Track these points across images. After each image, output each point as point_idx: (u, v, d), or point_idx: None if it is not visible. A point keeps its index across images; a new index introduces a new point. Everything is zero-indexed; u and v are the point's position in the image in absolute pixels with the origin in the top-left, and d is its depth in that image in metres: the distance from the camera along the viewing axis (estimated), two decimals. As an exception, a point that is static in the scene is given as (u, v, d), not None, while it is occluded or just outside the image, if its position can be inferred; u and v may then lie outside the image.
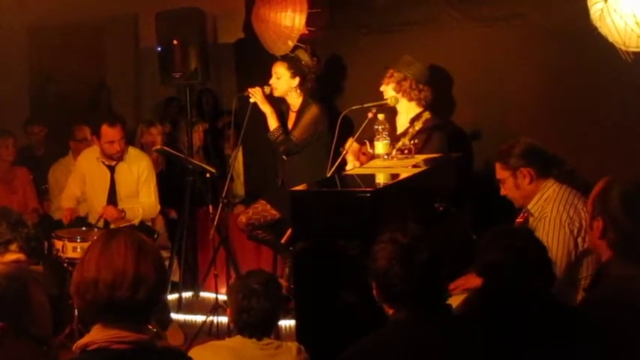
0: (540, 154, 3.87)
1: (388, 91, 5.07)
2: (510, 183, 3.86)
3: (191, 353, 3.19)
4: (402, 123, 5.12)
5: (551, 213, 3.71)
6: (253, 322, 3.16)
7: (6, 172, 6.57)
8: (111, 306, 2.14)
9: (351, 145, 5.07)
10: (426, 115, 5.08)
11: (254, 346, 3.14)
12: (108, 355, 2.13)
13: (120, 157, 5.69)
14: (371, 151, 4.89)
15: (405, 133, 5.04)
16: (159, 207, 5.88)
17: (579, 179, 4.18)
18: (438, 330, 2.59)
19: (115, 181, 5.71)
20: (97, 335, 2.17)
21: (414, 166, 4.40)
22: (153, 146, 6.58)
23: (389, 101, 4.99)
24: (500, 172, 3.90)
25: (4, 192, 6.46)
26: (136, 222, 5.70)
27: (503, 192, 3.92)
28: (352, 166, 4.93)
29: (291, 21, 5.73)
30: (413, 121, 5.09)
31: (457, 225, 4.38)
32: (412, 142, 4.87)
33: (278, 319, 3.35)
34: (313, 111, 5.40)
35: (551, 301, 2.78)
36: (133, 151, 5.85)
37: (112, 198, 5.68)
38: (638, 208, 2.69)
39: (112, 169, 5.71)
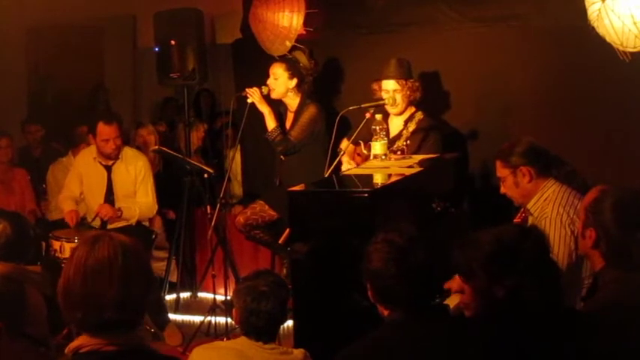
0: (541, 154, 3.87)
1: (399, 99, 5.04)
2: (510, 181, 3.86)
3: (194, 353, 3.19)
4: (396, 124, 5.12)
5: (552, 213, 3.71)
6: (261, 324, 3.16)
7: (3, 172, 6.55)
8: (100, 324, 2.13)
9: (347, 146, 5.07)
10: (419, 115, 5.08)
11: (260, 350, 3.13)
12: (100, 357, 2.13)
13: (116, 156, 5.68)
14: (365, 151, 4.89)
15: (399, 136, 5.04)
16: (156, 207, 5.87)
17: (580, 180, 4.18)
18: (433, 331, 2.59)
19: (111, 181, 5.70)
20: (86, 339, 2.17)
21: (412, 166, 4.40)
22: (147, 147, 6.59)
23: (386, 101, 4.99)
24: (501, 170, 3.90)
25: (2, 193, 6.45)
26: (133, 222, 5.69)
27: (502, 190, 3.93)
28: (347, 167, 4.92)
29: (289, 21, 5.73)
30: (406, 122, 5.09)
31: (456, 225, 4.38)
32: (405, 143, 4.87)
33: (283, 322, 3.35)
34: (311, 111, 5.40)
35: (554, 303, 2.75)
36: (130, 151, 5.84)
37: (109, 198, 5.68)
38: (630, 220, 2.71)
39: (108, 168, 5.71)
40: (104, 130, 5.58)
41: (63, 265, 4.97)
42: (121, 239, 2.20)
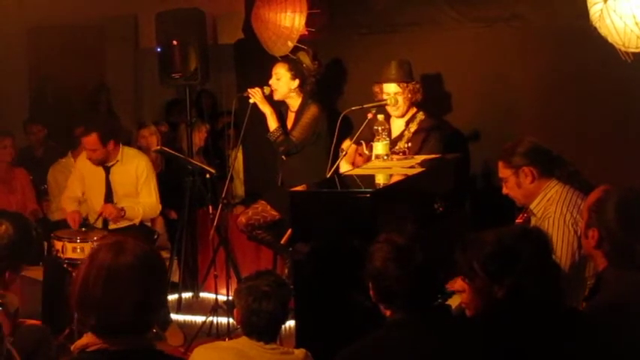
0: (544, 154, 3.87)
1: (401, 101, 5.04)
2: (512, 182, 3.86)
3: (196, 353, 3.19)
4: (397, 125, 5.11)
5: (555, 213, 3.70)
6: (263, 324, 3.15)
7: (4, 172, 6.56)
8: (114, 327, 2.13)
9: (349, 146, 5.07)
10: (420, 115, 5.08)
11: (261, 350, 3.13)
12: (107, 356, 2.13)
13: (100, 162, 5.63)
14: (367, 152, 4.89)
15: (401, 136, 5.04)
16: (160, 207, 5.86)
17: (582, 180, 4.17)
18: (434, 332, 2.59)
19: (110, 182, 5.68)
20: (93, 338, 2.17)
21: (413, 166, 4.40)
22: (149, 147, 6.59)
23: (388, 101, 4.99)
24: (503, 171, 3.90)
25: (3, 192, 6.46)
26: (137, 221, 5.69)
27: (505, 191, 3.92)
28: (345, 169, 4.89)
29: (291, 22, 5.72)
30: (408, 123, 5.08)
31: (457, 225, 4.38)
32: (407, 145, 4.87)
33: (285, 322, 3.35)
34: (312, 111, 5.40)
35: (554, 303, 2.75)
36: (129, 151, 5.82)
37: (109, 198, 5.66)
38: (633, 220, 2.71)
39: (107, 169, 5.69)
40: (84, 140, 5.58)
41: (65, 265, 5.01)
42: (142, 246, 2.19)
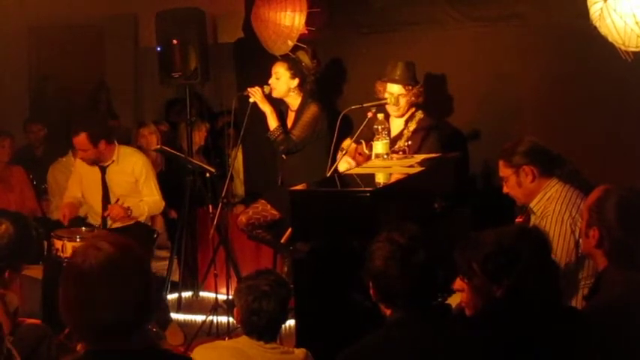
0: (544, 153, 3.88)
1: (403, 102, 5.05)
2: (513, 181, 3.86)
3: (195, 352, 3.19)
4: (397, 124, 5.12)
5: (554, 212, 3.71)
6: (263, 324, 3.15)
7: (1, 170, 6.55)
8: (99, 330, 2.11)
9: (349, 145, 5.07)
10: (419, 114, 5.08)
11: (261, 349, 3.12)
12: (112, 356, 2.12)
13: (93, 163, 5.61)
14: (367, 151, 4.89)
15: (400, 135, 5.04)
16: (163, 202, 5.81)
17: (582, 180, 4.18)
18: (434, 331, 2.59)
19: (106, 182, 5.66)
20: None
21: (413, 166, 4.40)
22: (149, 146, 6.58)
23: (389, 101, 4.99)
24: (504, 170, 3.90)
25: (1, 190, 6.46)
26: (143, 219, 5.69)
27: (505, 190, 3.93)
28: (345, 168, 4.90)
29: (291, 21, 5.72)
30: (407, 122, 5.09)
31: (457, 224, 4.38)
32: (407, 143, 4.87)
33: (285, 321, 3.34)
34: (313, 110, 5.40)
35: (553, 303, 2.75)
36: (126, 150, 5.77)
37: (106, 198, 5.64)
38: (633, 219, 2.72)
39: (103, 169, 5.66)
40: (73, 140, 5.54)
41: (65, 264, 5.00)
42: (119, 244, 2.14)
